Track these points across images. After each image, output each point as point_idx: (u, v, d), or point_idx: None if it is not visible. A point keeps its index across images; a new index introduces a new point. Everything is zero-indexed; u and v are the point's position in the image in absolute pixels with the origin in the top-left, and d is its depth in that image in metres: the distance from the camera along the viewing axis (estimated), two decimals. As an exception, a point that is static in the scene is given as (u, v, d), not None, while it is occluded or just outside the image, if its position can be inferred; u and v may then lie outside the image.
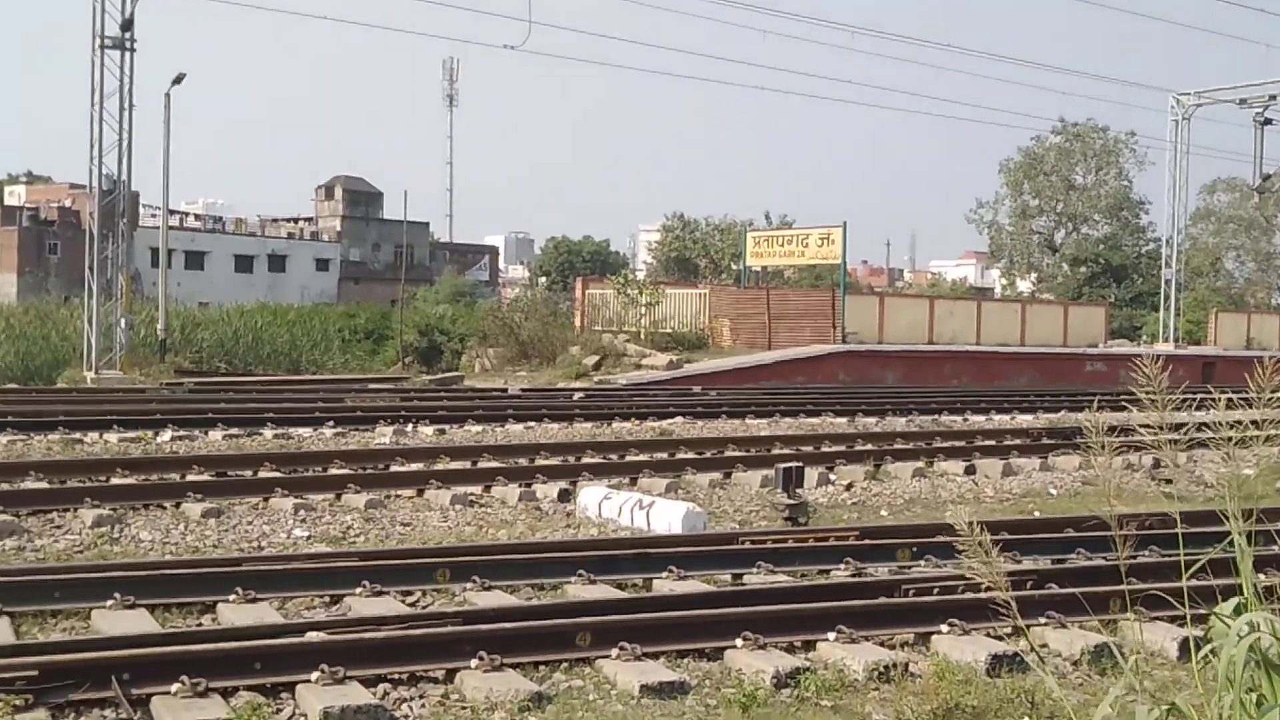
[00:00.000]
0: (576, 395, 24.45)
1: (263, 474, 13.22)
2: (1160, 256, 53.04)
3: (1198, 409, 4.36)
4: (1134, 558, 9.78)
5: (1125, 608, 7.60)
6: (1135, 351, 41.43)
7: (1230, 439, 3.89)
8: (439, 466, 14.26)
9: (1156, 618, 7.64)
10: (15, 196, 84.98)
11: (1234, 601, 3.72)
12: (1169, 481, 14.95)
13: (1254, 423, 4.00)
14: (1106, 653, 7.17)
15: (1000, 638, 7.44)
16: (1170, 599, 4.84)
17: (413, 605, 8.08)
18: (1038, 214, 79.08)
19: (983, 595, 6.85)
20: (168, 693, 5.86)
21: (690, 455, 15.84)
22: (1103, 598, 7.89)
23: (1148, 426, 3.94)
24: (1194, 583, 4.21)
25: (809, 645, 7.20)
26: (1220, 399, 3.96)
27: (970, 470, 15.73)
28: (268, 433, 17.09)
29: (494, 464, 14.48)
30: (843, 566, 9.35)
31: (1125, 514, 11.93)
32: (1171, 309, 50.07)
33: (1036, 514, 12.99)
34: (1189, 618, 4.30)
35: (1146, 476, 15.66)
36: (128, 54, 29.00)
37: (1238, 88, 48.46)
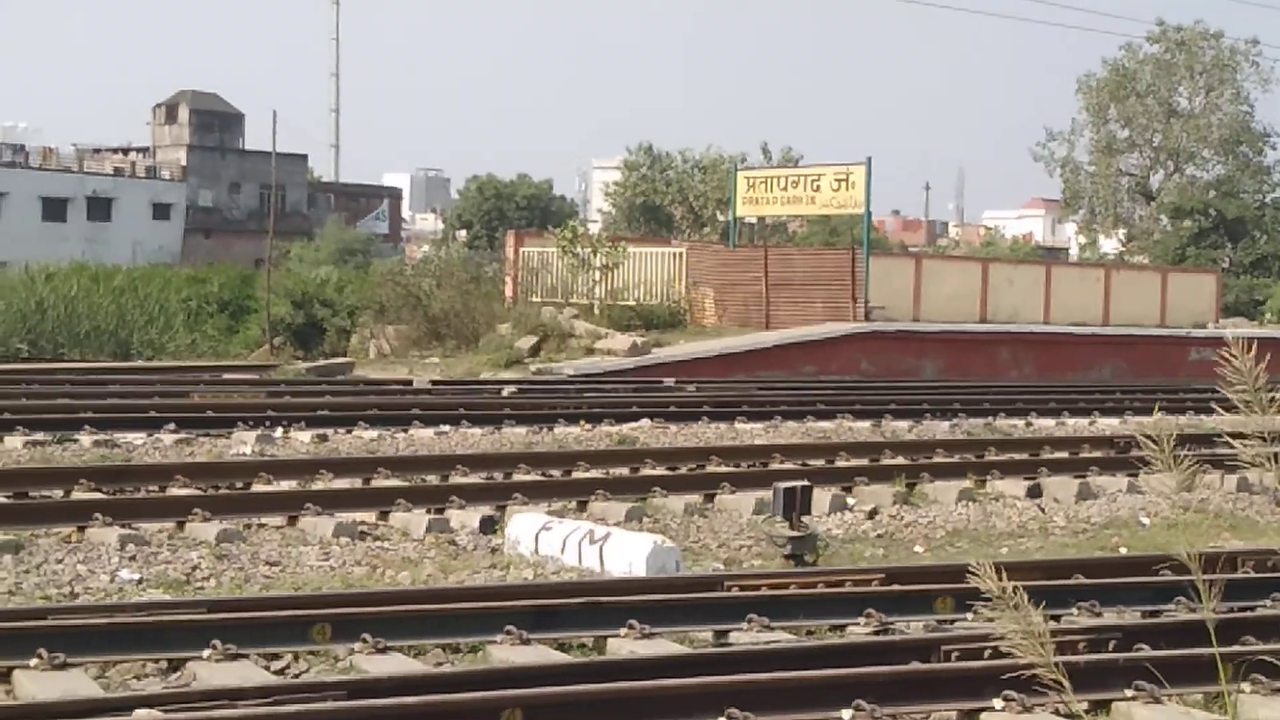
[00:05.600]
0: (507, 390, 24.44)
1: (78, 495, 13.12)
2: (1290, 207, 53.57)
3: None
4: (1250, 609, 9.87)
5: (1239, 675, 7.66)
6: (1258, 334, 41.81)
7: None
8: (318, 486, 14.21)
9: (1281, 689, 7.71)
10: None
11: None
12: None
13: None
14: (1215, 737, 7.22)
15: (1073, 716, 7.47)
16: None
17: (281, 673, 8.07)
18: (1128, 149, 79.53)
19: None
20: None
21: (660, 471, 15.86)
22: (1210, 663, 7.93)
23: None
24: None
25: (817, 727, 7.22)
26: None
27: (1035, 492, 15.81)
28: (85, 439, 16.99)
29: (393, 482, 14.44)
30: (863, 621, 9.40)
31: (1241, 550, 12.04)
32: (1305, 277, 50.61)
33: (1123, 550, 13.08)
34: None
35: (1271, 500, 15.79)
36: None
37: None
